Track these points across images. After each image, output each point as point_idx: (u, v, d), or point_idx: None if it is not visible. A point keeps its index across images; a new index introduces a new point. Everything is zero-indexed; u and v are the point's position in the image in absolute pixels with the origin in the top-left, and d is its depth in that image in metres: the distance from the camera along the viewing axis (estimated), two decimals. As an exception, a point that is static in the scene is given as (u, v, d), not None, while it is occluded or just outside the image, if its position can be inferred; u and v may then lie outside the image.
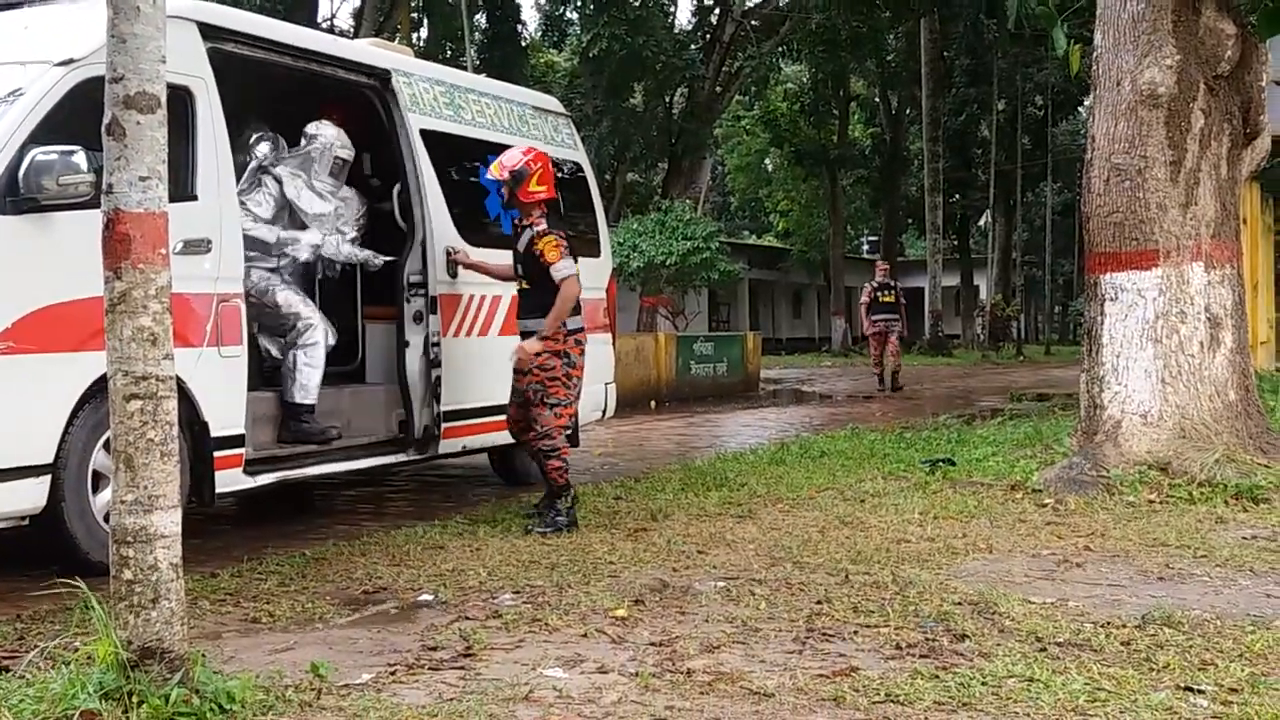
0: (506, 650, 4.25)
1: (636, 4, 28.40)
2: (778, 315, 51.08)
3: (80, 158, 5.25)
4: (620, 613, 4.74)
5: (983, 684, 3.76)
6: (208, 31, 6.32)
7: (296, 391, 7.00)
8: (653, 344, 18.44)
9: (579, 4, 30.34)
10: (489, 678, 3.91)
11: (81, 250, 4.83)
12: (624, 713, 3.56)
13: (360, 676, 3.93)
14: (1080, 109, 42.39)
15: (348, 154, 7.51)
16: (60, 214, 5.35)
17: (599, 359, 8.46)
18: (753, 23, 31.89)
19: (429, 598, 5.11)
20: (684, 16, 50.72)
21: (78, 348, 5.39)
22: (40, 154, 5.26)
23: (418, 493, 8.91)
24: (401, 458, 7.58)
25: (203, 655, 3.65)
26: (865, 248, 57.27)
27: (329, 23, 33.06)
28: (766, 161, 51.22)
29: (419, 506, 8.08)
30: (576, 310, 6.90)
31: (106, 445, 5.16)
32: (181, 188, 5.83)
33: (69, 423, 5.45)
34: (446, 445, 7.71)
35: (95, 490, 5.58)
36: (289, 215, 7.36)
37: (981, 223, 51.00)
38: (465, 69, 18.84)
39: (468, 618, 4.71)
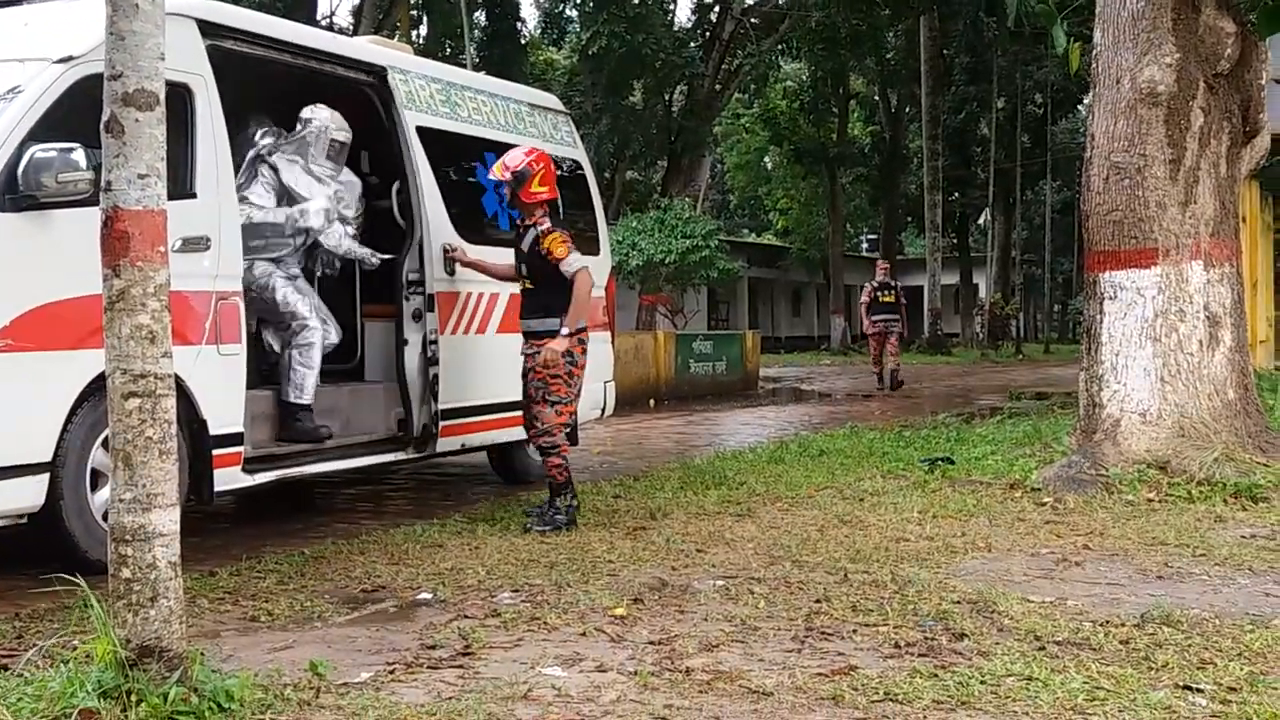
0: (505, 649, 4.25)
1: (636, 1, 28.40)
2: (777, 314, 51.09)
3: (79, 155, 5.25)
4: (619, 611, 4.74)
5: (981, 683, 3.76)
6: (206, 29, 6.32)
7: (291, 391, 7.00)
8: (652, 342, 18.44)
9: (578, 1, 30.36)
10: (488, 676, 3.90)
11: (80, 248, 4.83)
12: (623, 711, 3.56)
13: (359, 675, 3.93)
14: (1080, 107, 42.41)
15: (345, 136, 7.44)
16: (59, 211, 5.35)
17: (598, 357, 8.46)
18: (752, 20, 31.88)
19: (428, 596, 5.11)
20: (683, 14, 50.83)
21: (76, 345, 5.39)
22: (39, 151, 5.26)
23: (416, 491, 8.90)
24: (400, 456, 7.58)
25: (201, 654, 3.65)
26: (865, 246, 57.29)
27: (328, 20, 33.04)
28: (766, 159, 51.22)
29: (418, 505, 8.08)
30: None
31: (105, 443, 5.17)
32: (180, 185, 5.82)
33: (67, 421, 5.45)
34: (445, 443, 7.71)
35: (94, 488, 5.58)
36: (289, 203, 7.34)
37: (981, 221, 51.04)
38: (465, 66, 18.83)
39: (466, 616, 4.71)
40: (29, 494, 5.34)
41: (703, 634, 4.39)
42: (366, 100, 7.64)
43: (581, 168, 9.49)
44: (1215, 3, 8.04)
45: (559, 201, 7.21)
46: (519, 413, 7.83)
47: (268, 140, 7.37)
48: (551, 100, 9.89)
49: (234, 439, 6.28)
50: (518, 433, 8.21)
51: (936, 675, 3.84)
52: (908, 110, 42.42)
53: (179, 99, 5.85)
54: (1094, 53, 8.33)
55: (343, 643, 4.38)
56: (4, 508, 5.30)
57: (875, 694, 3.67)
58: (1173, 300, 7.88)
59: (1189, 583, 5.24)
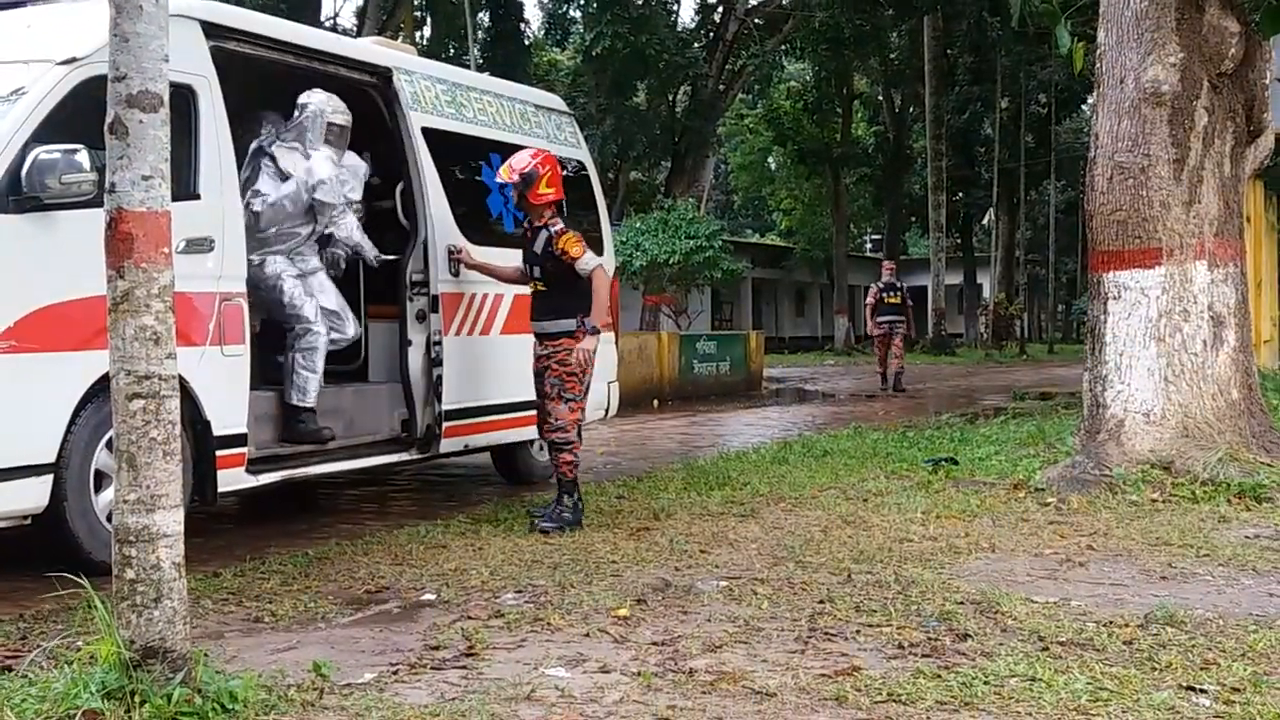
0: (509, 650, 4.25)
1: (640, 2, 28.42)
2: (780, 314, 51.07)
3: (83, 157, 5.26)
4: (623, 612, 4.74)
5: (985, 683, 3.76)
6: (210, 30, 6.32)
7: (294, 394, 6.99)
8: (655, 343, 18.44)
9: (582, 2, 30.36)
10: (491, 677, 3.91)
11: (84, 249, 4.83)
12: (626, 712, 3.56)
13: (363, 676, 3.93)
14: (1084, 107, 42.26)
15: (343, 119, 7.34)
16: (63, 213, 5.36)
17: (603, 358, 8.43)
18: (756, 21, 31.90)
19: (431, 597, 5.11)
20: (687, 15, 50.68)
21: (80, 347, 5.39)
22: (43, 153, 5.26)
23: (420, 492, 8.91)
24: (404, 457, 7.58)
25: (205, 654, 3.65)
26: (868, 246, 57.26)
27: (332, 21, 33.08)
28: (770, 160, 51.25)
29: (421, 506, 8.08)
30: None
31: (109, 444, 5.17)
32: (184, 186, 5.83)
33: (71, 422, 5.46)
34: (448, 444, 7.71)
35: (97, 489, 5.59)
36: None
37: (985, 221, 50.96)
38: (468, 68, 18.84)
39: (470, 617, 4.72)
40: (33, 495, 5.34)
41: (706, 635, 4.39)
42: (371, 101, 7.65)
43: (585, 168, 9.49)
44: (1219, 2, 8.03)
45: (563, 202, 7.21)
46: (523, 413, 7.85)
47: (268, 131, 7.34)
48: (555, 101, 9.89)
49: (238, 440, 6.28)
50: (521, 433, 8.24)
51: (940, 676, 3.84)
52: (911, 110, 42.39)
53: (183, 100, 5.86)
54: (1098, 52, 8.33)
55: (346, 643, 4.38)
56: (8, 509, 5.31)
57: (879, 694, 3.67)
58: (1177, 300, 7.87)
59: (1193, 583, 5.24)
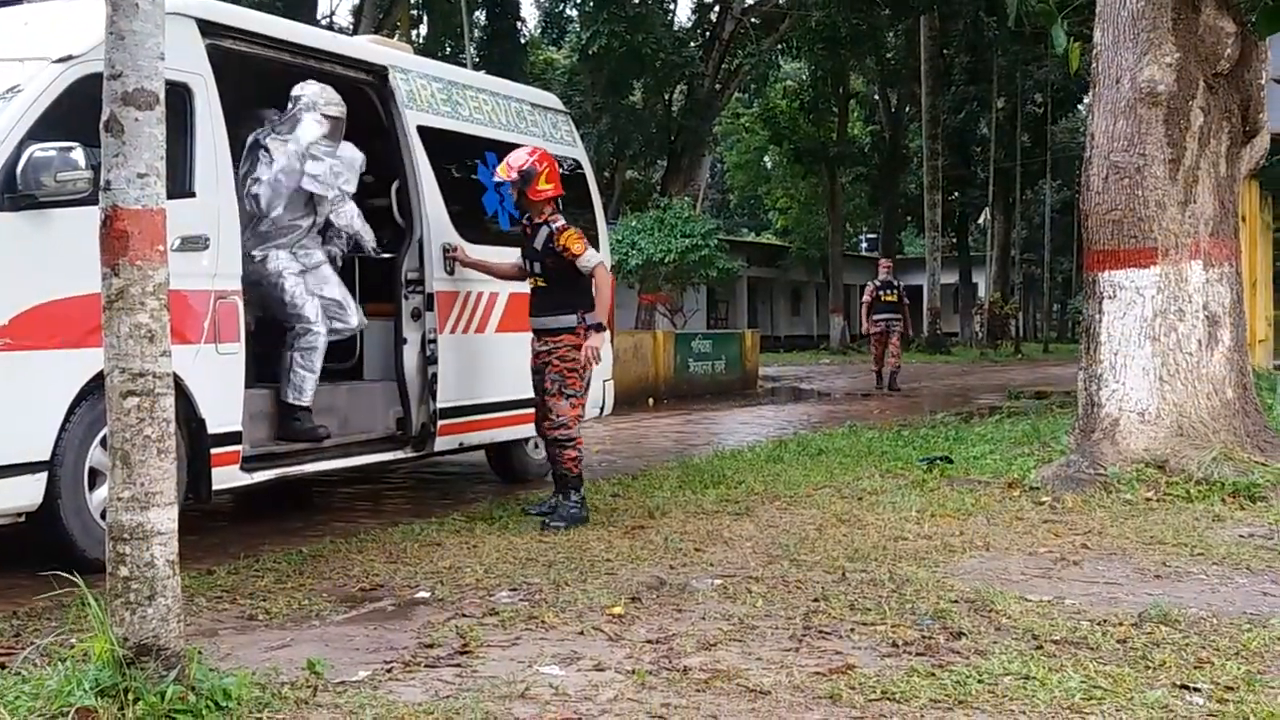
0: (503, 648, 4.25)
1: (636, 1, 28.40)
2: (776, 313, 51.08)
3: (78, 154, 5.25)
4: (617, 610, 4.74)
5: (979, 682, 3.76)
6: (206, 28, 6.32)
7: (290, 393, 6.99)
8: (651, 341, 18.44)
9: (578, 1, 30.35)
10: (485, 675, 3.91)
11: (79, 247, 4.82)
12: (620, 710, 3.56)
13: (357, 674, 3.93)
14: (1080, 107, 42.41)
15: (337, 110, 7.30)
16: (58, 210, 5.35)
17: (599, 356, 8.46)
18: (752, 20, 31.89)
19: (426, 595, 5.11)
20: (683, 14, 50.82)
21: (75, 344, 5.39)
22: (38, 150, 5.25)
23: (415, 490, 8.91)
24: (399, 455, 7.59)
25: (199, 652, 3.65)
26: (864, 245, 57.30)
27: (328, 19, 33.05)
28: (765, 159, 51.23)
29: (416, 504, 8.08)
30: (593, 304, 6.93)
31: (103, 442, 5.18)
32: (179, 184, 5.83)
33: (66, 419, 5.45)
34: (443, 442, 7.71)
35: (92, 487, 5.58)
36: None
37: (980, 220, 51.04)
38: (464, 66, 18.83)
39: (464, 615, 4.72)
40: (27, 492, 5.34)
41: (700, 633, 4.40)
42: (367, 99, 7.64)
43: (581, 167, 9.50)
44: (1215, 2, 8.04)
45: (560, 200, 7.22)
46: (518, 412, 7.86)
47: (262, 125, 7.32)
48: (551, 99, 9.89)
49: (232, 438, 6.28)
50: (516, 431, 8.24)
51: (934, 674, 3.84)
52: (907, 110, 42.43)
53: (178, 98, 5.85)
54: (1094, 52, 8.34)
55: (340, 641, 4.38)
56: (2, 506, 5.29)
57: (873, 693, 3.67)
58: (1172, 300, 7.88)
59: (1187, 582, 5.25)
